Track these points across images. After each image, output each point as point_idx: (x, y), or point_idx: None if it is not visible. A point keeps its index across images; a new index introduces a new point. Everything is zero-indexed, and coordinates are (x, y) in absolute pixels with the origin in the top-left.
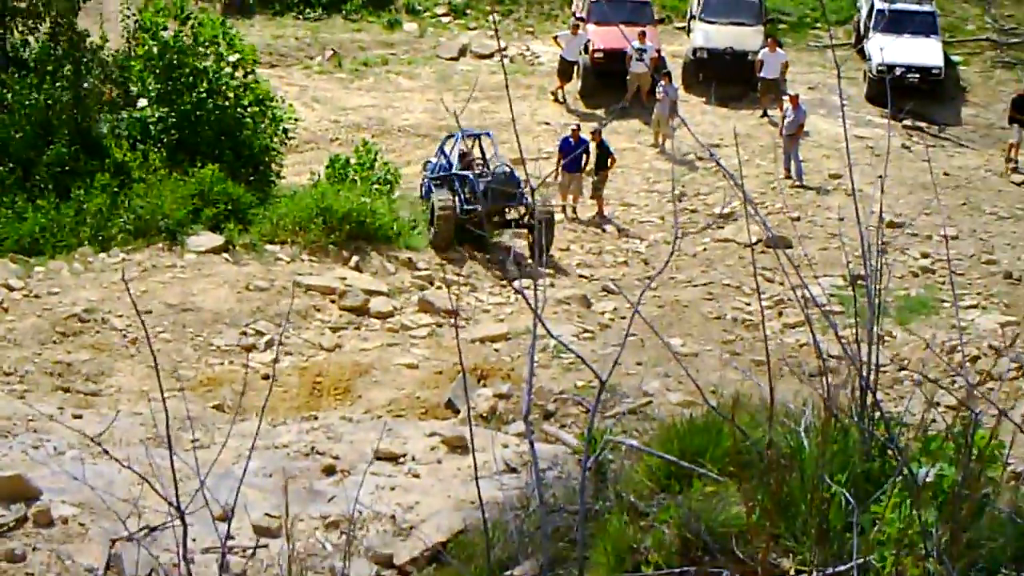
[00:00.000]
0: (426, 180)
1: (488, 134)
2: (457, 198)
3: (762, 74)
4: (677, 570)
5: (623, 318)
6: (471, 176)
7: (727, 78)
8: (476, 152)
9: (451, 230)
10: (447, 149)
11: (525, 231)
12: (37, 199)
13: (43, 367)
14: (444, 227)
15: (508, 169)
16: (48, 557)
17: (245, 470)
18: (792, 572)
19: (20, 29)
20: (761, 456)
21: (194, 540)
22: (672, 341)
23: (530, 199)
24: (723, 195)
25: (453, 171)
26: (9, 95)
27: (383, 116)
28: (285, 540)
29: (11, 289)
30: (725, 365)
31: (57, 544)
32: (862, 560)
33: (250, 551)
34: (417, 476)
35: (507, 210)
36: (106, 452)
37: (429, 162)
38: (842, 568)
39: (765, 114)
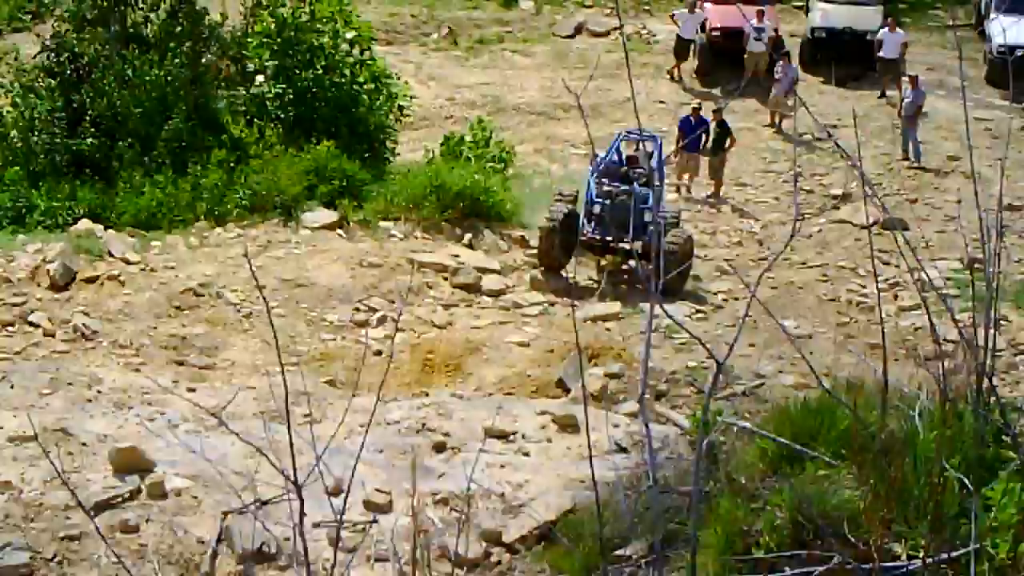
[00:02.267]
0: (591, 179)
1: (655, 138)
2: (588, 216)
3: (881, 54)
4: (788, 553)
5: (736, 299)
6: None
7: (846, 58)
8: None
9: (552, 250)
10: (622, 147)
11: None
12: (155, 174)
13: (158, 340)
14: (542, 245)
15: (642, 192)
16: (161, 528)
17: (362, 446)
18: (904, 557)
19: (141, 6)
20: (875, 440)
21: (306, 514)
22: (786, 323)
23: (658, 231)
24: (840, 176)
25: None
26: (129, 71)
27: (498, 94)
28: (411, 516)
29: (128, 263)
30: (839, 348)
31: (170, 516)
32: (977, 546)
33: (361, 526)
34: (527, 454)
35: (624, 241)
36: (223, 424)
37: (598, 156)
38: (956, 554)
39: (883, 95)
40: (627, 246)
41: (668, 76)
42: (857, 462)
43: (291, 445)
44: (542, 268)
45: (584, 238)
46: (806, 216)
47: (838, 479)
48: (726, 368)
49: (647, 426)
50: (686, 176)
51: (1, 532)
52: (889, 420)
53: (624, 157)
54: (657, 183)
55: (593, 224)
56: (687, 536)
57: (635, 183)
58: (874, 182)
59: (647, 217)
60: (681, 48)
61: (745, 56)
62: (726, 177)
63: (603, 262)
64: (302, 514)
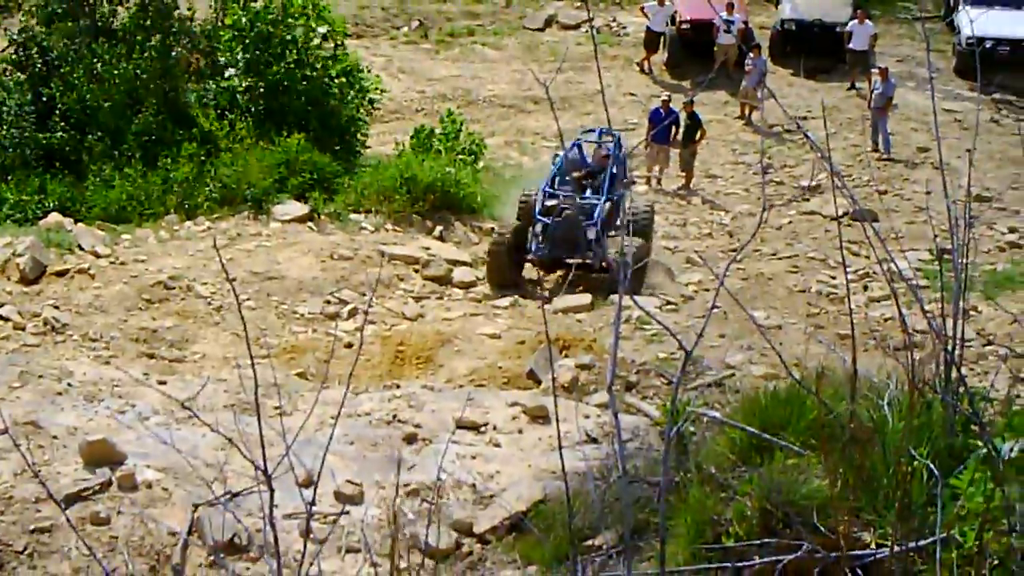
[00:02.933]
0: (540, 189)
1: (614, 134)
2: (536, 235)
3: (851, 46)
4: (757, 542)
5: (707, 290)
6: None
7: (815, 50)
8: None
9: (501, 269)
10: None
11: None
12: (125, 167)
13: (129, 333)
14: (491, 263)
15: (588, 205)
16: (132, 520)
17: (331, 437)
18: (873, 546)
19: (110, 0)
20: (844, 429)
21: (276, 506)
22: (756, 314)
23: (603, 246)
24: (810, 168)
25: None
26: (98, 64)
27: (468, 87)
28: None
29: (98, 256)
30: (809, 338)
31: (141, 508)
32: (944, 535)
33: (332, 517)
34: (498, 445)
35: (571, 258)
36: (195, 415)
37: (557, 156)
38: (924, 542)
39: (853, 87)
40: (576, 260)
41: (638, 68)
42: (826, 451)
43: (261, 436)
44: (491, 285)
45: (529, 257)
46: (775, 207)
47: (807, 468)
48: (695, 358)
49: (616, 416)
50: (656, 168)
51: None
52: (858, 409)
53: (592, 157)
54: (623, 182)
55: (538, 243)
56: (657, 526)
57: (587, 191)
58: (844, 173)
59: (591, 235)
60: (651, 40)
61: (715, 48)
62: (696, 169)
63: (548, 280)
64: (272, 505)
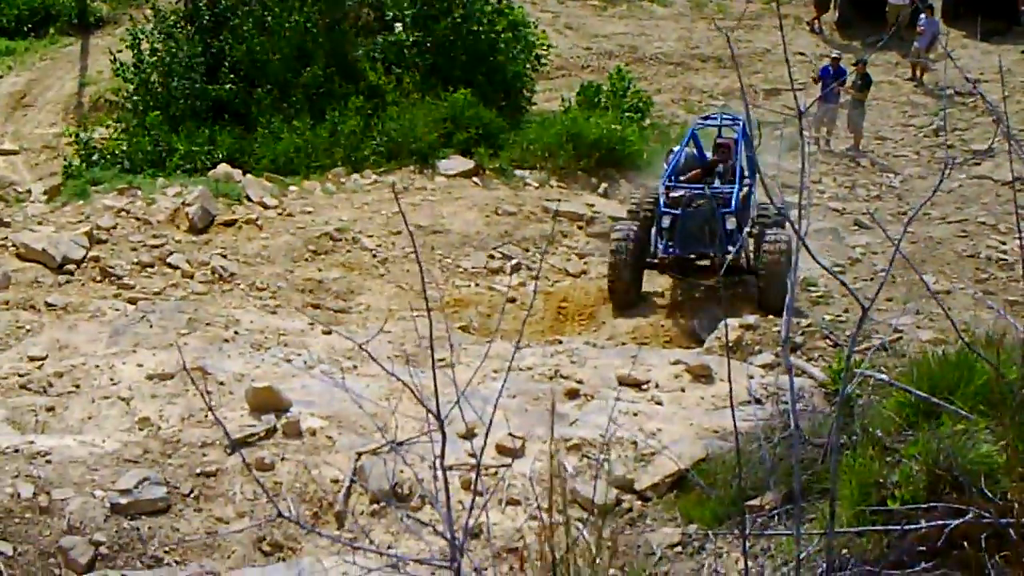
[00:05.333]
0: (662, 182)
1: (737, 119)
2: (662, 232)
3: None
4: (924, 505)
5: (875, 253)
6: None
7: (990, 12)
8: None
9: (620, 282)
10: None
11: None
12: (293, 120)
13: (294, 284)
14: (610, 276)
15: (724, 192)
16: (296, 467)
17: (501, 391)
18: None
19: None
20: (1015, 395)
21: (438, 456)
22: (925, 278)
23: (747, 243)
24: (981, 131)
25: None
26: (268, 18)
27: (635, 44)
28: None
29: (266, 207)
30: (978, 304)
31: (305, 455)
32: None
33: (494, 469)
34: (660, 403)
35: (705, 256)
36: (374, 360)
37: (672, 151)
38: None
39: None
40: (708, 262)
41: (808, 28)
42: (996, 417)
43: (435, 384)
44: (614, 305)
45: (655, 261)
46: (948, 169)
47: (976, 434)
48: (867, 318)
49: (791, 372)
50: (824, 129)
51: (139, 467)
52: None
53: (714, 146)
54: (747, 177)
55: (664, 241)
56: (821, 488)
57: (717, 180)
58: (1018, 137)
59: (730, 224)
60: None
61: (887, 8)
62: (865, 130)
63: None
64: (444, 450)
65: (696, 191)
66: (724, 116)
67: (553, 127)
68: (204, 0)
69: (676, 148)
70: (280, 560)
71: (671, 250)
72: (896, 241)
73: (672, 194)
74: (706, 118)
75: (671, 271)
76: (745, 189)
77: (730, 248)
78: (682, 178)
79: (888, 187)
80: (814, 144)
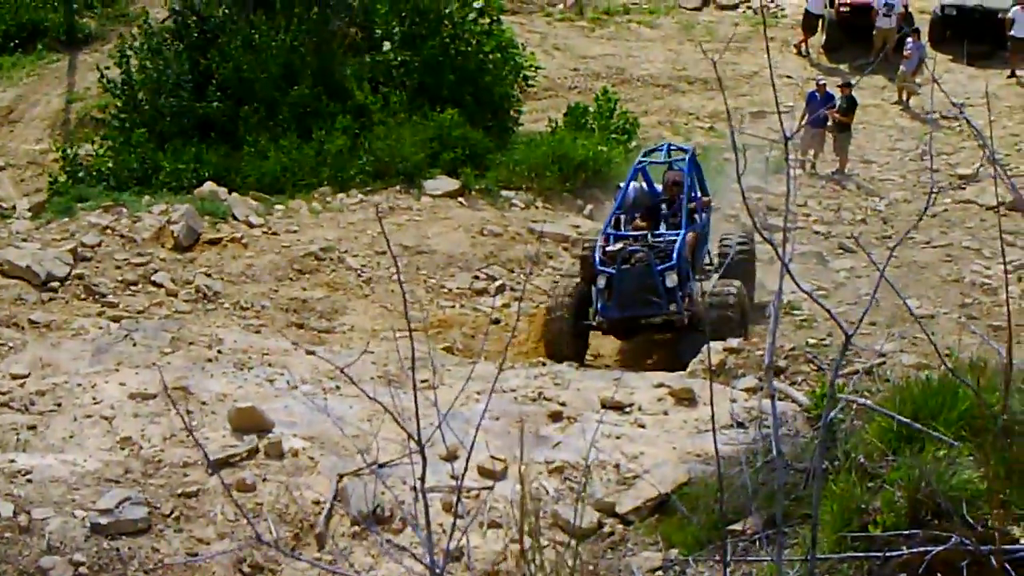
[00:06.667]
0: (601, 232)
1: (686, 150)
2: (600, 292)
3: (1012, 33)
4: (906, 532)
5: (859, 277)
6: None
7: (976, 36)
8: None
9: (558, 340)
10: (651, 172)
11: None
12: (279, 139)
13: (279, 303)
14: (546, 334)
15: (663, 243)
16: (277, 488)
17: (484, 412)
18: (1023, 540)
19: None
20: (997, 421)
21: (418, 479)
22: (908, 302)
23: (690, 292)
24: (967, 155)
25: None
26: (255, 36)
27: (623, 65)
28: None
29: (251, 226)
30: (962, 329)
31: (287, 476)
32: None
33: (476, 492)
34: (643, 426)
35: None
36: (353, 383)
37: (619, 186)
38: None
39: (1013, 74)
40: (656, 319)
41: (795, 51)
42: (978, 443)
43: (416, 407)
44: (549, 358)
45: (596, 322)
46: (934, 193)
47: (958, 460)
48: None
49: (773, 398)
50: (811, 152)
51: (121, 487)
52: (1012, 402)
53: (663, 182)
54: (702, 213)
55: (601, 303)
56: (803, 513)
57: (663, 224)
58: (1002, 163)
59: (669, 282)
60: (809, 23)
61: (874, 32)
62: (851, 154)
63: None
64: (424, 473)
65: (632, 248)
66: (671, 146)
67: (540, 148)
68: (192, 18)
69: (622, 184)
70: None
71: (610, 312)
72: (881, 266)
73: (608, 248)
74: (651, 151)
75: (613, 334)
76: (695, 231)
77: (671, 307)
78: (634, 215)
79: (873, 211)
80: (800, 167)
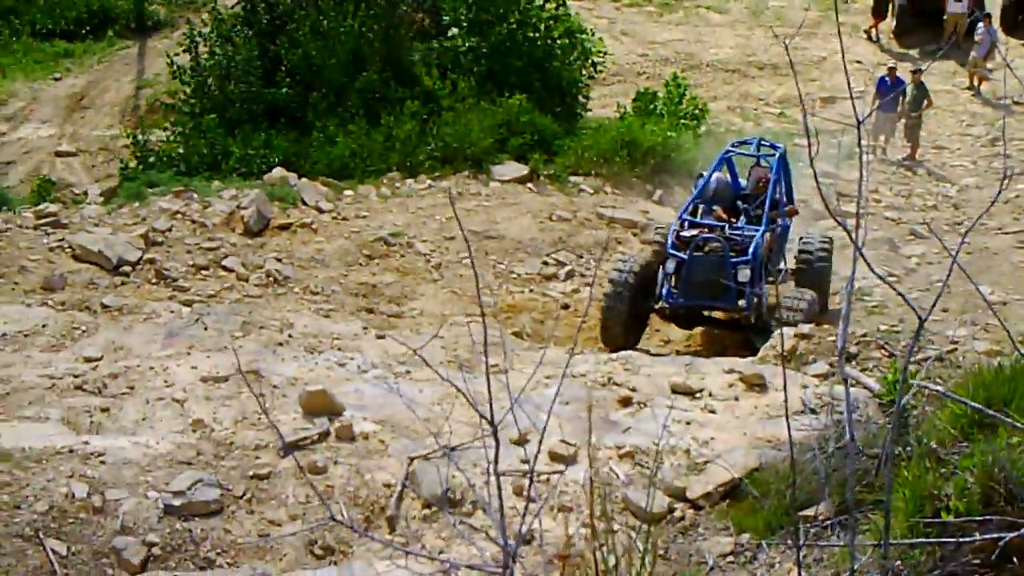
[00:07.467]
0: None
1: (777, 147)
2: (667, 276)
3: None
4: (978, 518)
5: (930, 263)
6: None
7: None
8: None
9: (614, 328)
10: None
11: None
12: (348, 124)
13: (348, 288)
14: (602, 320)
15: (742, 237)
16: (348, 471)
17: (556, 396)
18: None
19: None
20: None
21: (491, 462)
22: (981, 289)
23: (760, 293)
24: None
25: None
26: (324, 22)
27: (691, 50)
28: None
29: (321, 211)
30: None
31: (357, 459)
32: None
33: (546, 476)
34: (713, 412)
35: (714, 308)
36: (428, 366)
37: (701, 175)
38: None
39: None
40: (719, 313)
41: (865, 36)
42: None
43: (488, 389)
44: (605, 345)
45: (656, 307)
46: (1009, 178)
47: None
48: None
49: (846, 383)
50: (882, 138)
51: (193, 469)
52: None
53: (749, 174)
54: (789, 209)
55: (668, 287)
56: (875, 499)
57: (741, 218)
58: None
59: (742, 276)
60: (880, 7)
61: (944, 17)
62: (922, 140)
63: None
64: (497, 456)
65: (707, 236)
66: (762, 141)
67: (608, 134)
68: (261, 4)
69: (705, 173)
70: (332, 564)
71: (673, 299)
72: (953, 252)
73: (683, 233)
74: (741, 143)
75: (674, 321)
76: (777, 230)
77: (741, 303)
78: (712, 207)
79: (944, 197)
80: (871, 153)
